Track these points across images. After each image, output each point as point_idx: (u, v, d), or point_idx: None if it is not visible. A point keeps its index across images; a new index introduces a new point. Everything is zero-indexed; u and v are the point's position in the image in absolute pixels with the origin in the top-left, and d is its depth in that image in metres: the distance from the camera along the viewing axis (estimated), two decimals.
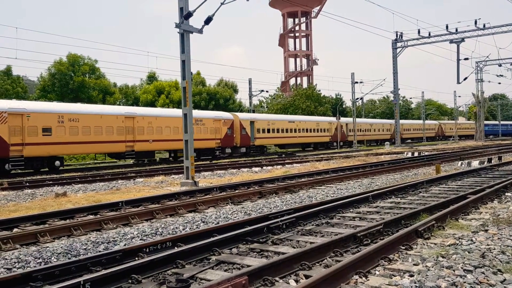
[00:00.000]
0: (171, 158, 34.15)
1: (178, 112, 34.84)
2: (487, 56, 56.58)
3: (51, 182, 17.92)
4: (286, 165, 25.03)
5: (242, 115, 40.67)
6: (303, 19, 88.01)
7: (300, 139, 46.64)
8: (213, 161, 32.14)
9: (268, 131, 41.41)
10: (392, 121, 66.23)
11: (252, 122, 39.40)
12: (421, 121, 77.06)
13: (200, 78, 61.93)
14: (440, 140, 76.07)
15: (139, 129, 29.30)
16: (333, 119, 53.45)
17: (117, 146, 28.06)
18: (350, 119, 57.08)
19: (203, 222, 9.04)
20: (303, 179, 16.19)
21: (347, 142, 55.01)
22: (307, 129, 47.19)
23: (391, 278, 4.85)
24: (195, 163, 26.99)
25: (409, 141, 70.76)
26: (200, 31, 16.27)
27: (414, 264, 5.25)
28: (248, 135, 38.53)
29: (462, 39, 42.70)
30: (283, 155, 38.29)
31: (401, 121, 68.87)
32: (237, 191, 13.41)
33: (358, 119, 58.17)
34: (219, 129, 35.32)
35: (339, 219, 8.60)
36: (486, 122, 77.44)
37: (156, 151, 33.07)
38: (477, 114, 65.95)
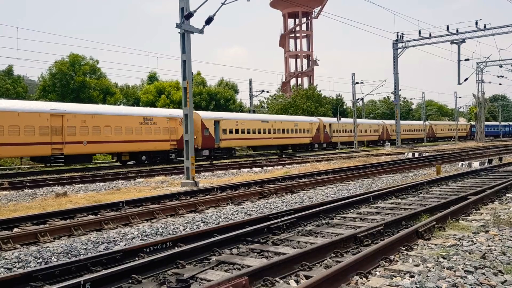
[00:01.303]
0: (118, 162, 30.99)
1: (120, 109, 32.56)
2: (488, 57, 56.68)
3: (51, 182, 17.92)
4: (287, 166, 25.03)
5: (204, 113, 36.94)
6: (303, 20, 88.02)
7: (276, 141, 42.58)
8: (214, 162, 32.04)
9: (237, 131, 37.36)
10: (380, 122, 64.87)
11: (217, 122, 35.51)
12: (411, 122, 74.99)
13: (201, 78, 61.94)
14: (430, 142, 73.30)
15: (69, 129, 25.75)
16: (314, 119, 50.15)
17: (41, 148, 24.48)
18: (333, 119, 54.30)
19: (204, 222, 9.03)
20: (303, 180, 16.19)
21: (331, 143, 51.96)
22: (283, 130, 43.30)
23: (392, 278, 4.85)
24: (135, 169, 25.94)
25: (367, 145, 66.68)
26: (201, 31, 16.28)
27: (415, 265, 5.24)
28: (212, 136, 34.63)
29: (463, 40, 42.70)
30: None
31: (388, 122, 66.88)
32: (237, 191, 13.40)
33: (342, 119, 56.15)
34: (175, 129, 31.38)
35: (339, 219, 8.59)
36: (486, 123, 77.21)
37: (94, 154, 29.95)
38: (477, 115, 65.90)
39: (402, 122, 73.11)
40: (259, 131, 40.04)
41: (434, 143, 68.08)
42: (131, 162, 30.23)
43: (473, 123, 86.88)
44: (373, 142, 62.26)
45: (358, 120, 59.77)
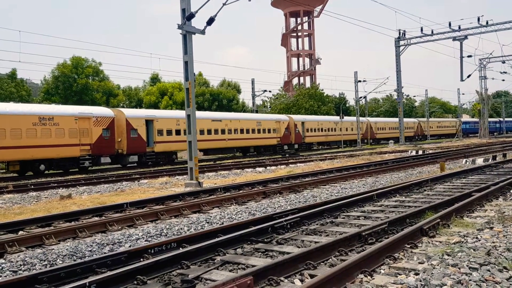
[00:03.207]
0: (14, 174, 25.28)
1: (3, 106, 24.10)
2: (491, 53, 56.28)
3: (56, 184, 17.98)
4: (290, 165, 25.03)
5: (131, 111, 31.28)
6: (305, 19, 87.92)
7: (233, 142, 37.00)
8: (217, 162, 31.86)
9: (178, 132, 31.51)
10: (364, 119, 59.53)
11: (149, 121, 29.89)
12: (397, 119, 71.76)
13: (203, 79, 62.02)
14: (420, 140, 67.92)
15: None
16: (282, 117, 44.93)
17: None
18: (307, 117, 49.60)
19: (208, 222, 9.04)
20: (307, 179, 16.18)
21: (304, 144, 46.59)
22: (242, 130, 38.02)
23: (397, 276, 4.84)
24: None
25: (384, 142, 61.63)
26: (202, 32, 16.29)
27: (419, 263, 5.24)
28: (141, 139, 28.93)
29: (465, 37, 42.61)
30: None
31: (375, 119, 63.52)
32: (241, 191, 13.41)
33: (319, 117, 52.47)
34: (88, 130, 25.95)
35: (343, 218, 8.59)
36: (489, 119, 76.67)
37: None
38: (481, 112, 65.70)
39: (390, 119, 68.67)
40: (209, 132, 34.49)
41: (424, 142, 64.06)
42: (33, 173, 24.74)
43: (463, 120, 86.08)
44: (356, 142, 55.91)
45: (337, 118, 55.25)
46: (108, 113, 27.77)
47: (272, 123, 41.96)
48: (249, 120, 39.72)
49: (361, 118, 58.13)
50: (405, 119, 70.73)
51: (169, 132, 31.12)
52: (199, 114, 36.36)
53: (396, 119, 68.95)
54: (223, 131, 35.99)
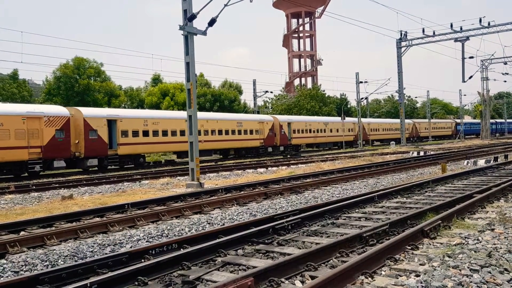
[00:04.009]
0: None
1: None
2: (492, 54, 56.23)
3: (57, 185, 18.01)
4: (292, 166, 25.02)
5: (90, 110, 28.50)
6: (307, 20, 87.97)
7: (208, 144, 34.15)
8: (218, 162, 31.77)
9: (146, 133, 29.47)
10: (355, 120, 56.45)
11: (112, 121, 27.58)
12: (392, 120, 67.70)
13: (204, 80, 62.07)
14: (414, 142, 64.77)
15: None
16: (266, 117, 42.31)
17: None
18: (293, 117, 47.19)
19: (209, 223, 9.05)
20: (308, 180, 16.18)
21: (290, 146, 43.79)
22: (220, 131, 35.50)
23: (397, 278, 4.84)
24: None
25: (378, 143, 59.75)
26: (204, 33, 16.31)
27: (420, 264, 5.23)
28: (102, 140, 26.58)
29: (467, 38, 42.56)
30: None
31: (368, 120, 60.90)
32: (242, 192, 13.42)
33: (307, 117, 50.08)
34: (39, 131, 23.59)
35: (344, 219, 8.58)
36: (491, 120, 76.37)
37: None
38: (482, 113, 65.60)
39: (384, 120, 66.60)
40: (182, 133, 31.89)
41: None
42: None
43: (458, 121, 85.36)
44: (347, 143, 54.07)
45: (327, 118, 53.36)
46: (62, 112, 25.35)
47: (255, 123, 39.37)
48: (228, 120, 37.11)
49: (353, 119, 56.54)
50: (399, 120, 71.16)
51: (135, 133, 28.76)
52: (171, 113, 34.98)
53: (391, 120, 68.86)
54: (198, 132, 33.29)
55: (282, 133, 42.18)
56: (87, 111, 27.13)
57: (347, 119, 56.39)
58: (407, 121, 68.82)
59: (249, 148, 38.70)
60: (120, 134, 27.84)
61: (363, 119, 58.50)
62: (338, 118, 56.05)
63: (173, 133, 31.53)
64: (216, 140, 35.26)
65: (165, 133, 30.94)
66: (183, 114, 34.81)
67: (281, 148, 42.36)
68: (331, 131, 50.32)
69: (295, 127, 44.58)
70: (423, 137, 72.52)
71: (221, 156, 38.53)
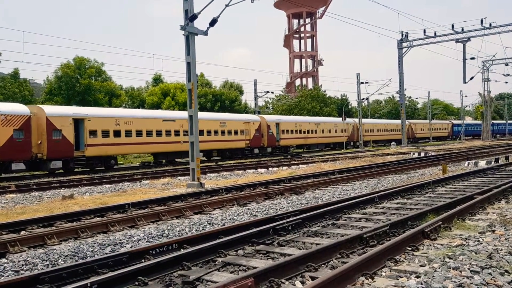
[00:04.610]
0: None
1: None
2: (494, 55, 56.29)
3: (58, 184, 18.02)
4: (292, 166, 25.02)
5: (53, 108, 26.58)
6: (308, 20, 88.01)
7: (188, 145, 33.96)
8: (219, 163, 31.76)
9: (117, 133, 27.63)
10: (350, 120, 55.26)
11: (79, 121, 25.88)
12: (386, 121, 66.73)
13: (205, 80, 62.09)
14: (410, 143, 61.20)
15: None
16: (253, 117, 40.49)
17: None
18: (282, 117, 45.52)
19: (209, 223, 9.05)
20: (309, 180, 16.17)
21: (278, 147, 42.11)
22: (202, 131, 32.33)
23: (398, 279, 4.84)
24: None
25: (372, 145, 57.28)
26: (205, 33, 16.32)
27: (421, 265, 5.23)
28: (68, 141, 24.70)
29: (468, 39, 42.55)
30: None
31: (362, 120, 57.45)
32: (243, 192, 13.42)
33: (297, 118, 48.76)
34: None
35: (345, 220, 8.58)
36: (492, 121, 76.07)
37: None
38: (484, 114, 65.56)
39: (375, 121, 64.34)
40: (159, 133, 30.36)
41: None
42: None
43: (454, 122, 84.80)
44: (340, 145, 52.09)
45: (319, 118, 51.36)
46: (22, 110, 23.45)
47: (240, 124, 37.56)
48: (211, 120, 35.01)
49: (348, 119, 55.06)
50: (395, 121, 68.15)
51: (105, 134, 26.92)
52: (145, 113, 32.98)
53: (385, 121, 67.73)
54: (177, 133, 31.64)
55: (269, 133, 40.66)
56: (50, 110, 25.34)
57: (340, 119, 54.66)
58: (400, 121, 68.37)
59: (234, 149, 37.14)
60: (88, 134, 26.12)
61: (355, 120, 57.11)
62: (331, 118, 55.06)
63: (149, 134, 29.74)
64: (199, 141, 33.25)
65: (139, 134, 29.16)
66: (159, 113, 34.02)
67: (269, 150, 40.73)
68: (322, 131, 48.64)
69: (284, 127, 42.97)
70: (419, 138, 70.66)
71: (204, 158, 36.46)
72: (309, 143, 47.42)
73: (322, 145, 49.33)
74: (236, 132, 37.03)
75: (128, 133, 28.33)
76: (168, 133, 31.07)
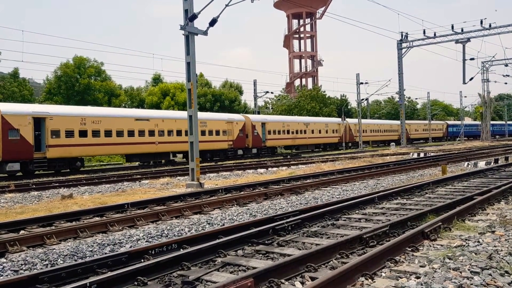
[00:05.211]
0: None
1: None
2: (493, 56, 56.40)
3: (57, 184, 18.00)
4: (292, 166, 25.01)
5: (9, 106, 24.72)
6: (307, 20, 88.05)
7: (164, 146, 30.79)
8: (219, 163, 31.72)
9: (83, 133, 25.93)
10: (339, 120, 53.19)
11: (40, 120, 24.13)
12: (381, 121, 65.96)
13: (205, 80, 62.08)
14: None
15: None
16: (237, 116, 38.97)
17: None
18: (268, 117, 44.25)
19: (209, 223, 9.04)
20: (308, 180, 16.17)
21: (264, 148, 40.57)
22: (179, 131, 31.79)
23: (398, 280, 4.83)
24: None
25: (363, 146, 54.97)
26: (205, 33, 16.30)
27: (421, 266, 5.22)
28: (27, 142, 23.25)
29: (468, 39, 42.59)
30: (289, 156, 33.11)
31: (354, 120, 56.40)
32: (242, 192, 13.41)
33: (285, 117, 48.18)
34: None
35: (344, 220, 8.57)
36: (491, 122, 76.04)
37: None
38: (483, 114, 65.60)
39: (369, 121, 62.74)
40: (131, 133, 28.54)
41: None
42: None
43: (449, 122, 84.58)
44: (331, 145, 50.89)
45: (308, 118, 49.66)
46: None
47: (222, 123, 35.81)
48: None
49: (340, 119, 53.73)
50: (390, 121, 67.93)
51: (69, 134, 25.17)
52: (115, 111, 30.53)
53: (379, 121, 67.13)
54: (151, 133, 29.95)
55: (255, 134, 38.96)
56: (6, 107, 23.61)
57: (332, 119, 53.97)
58: (396, 122, 65.91)
59: (215, 150, 35.45)
60: (50, 134, 24.38)
61: (349, 120, 56.03)
62: (322, 118, 53.37)
63: (120, 134, 27.88)
64: (174, 141, 31.39)
65: (108, 134, 27.29)
66: (131, 112, 31.72)
67: (254, 151, 39.08)
68: (312, 132, 46.89)
69: (271, 127, 41.34)
70: (413, 139, 68.44)
71: (184, 159, 35.48)
72: (298, 144, 45.88)
73: (312, 146, 47.88)
74: (218, 133, 35.51)
75: (95, 133, 26.67)
76: (141, 133, 29.36)
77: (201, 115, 34.90)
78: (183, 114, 34.09)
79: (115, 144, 27.74)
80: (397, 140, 60.29)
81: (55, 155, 24.54)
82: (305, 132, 45.92)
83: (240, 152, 37.48)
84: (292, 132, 44.09)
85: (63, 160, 25.25)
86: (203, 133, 33.21)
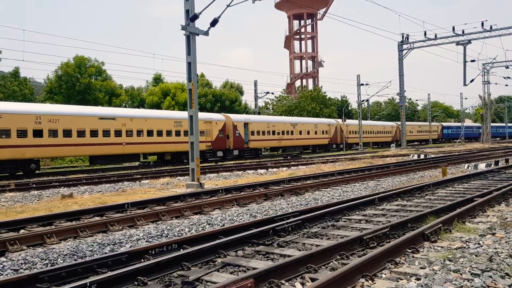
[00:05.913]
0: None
1: None
2: (494, 58, 56.24)
3: (57, 183, 18.00)
4: (292, 167, 25.00)
5: None
6: (308, 21, 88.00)
7: (133, 148, 28.90)
8: (219, 163, 31.67)
9: (38, 133, 23.99)
10: (333, 121, 52.20)
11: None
12: (375, 122, 64.78)
13: (205, 80, 62.10)
14: (400, 146, 55.44)
15: None
16: (216, 116, 36.72)
17: None
18: (251, 117, 41.68)
19: (209, 224, 9.04)
20: (308, 181, 16.16)
21: (247, 150, 38.49)
22: (151, 132, 29.90)
23: (398, 281, 4.83)
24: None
25: (355, 147, 53.99)
26: (206, 33, 16.31)
27: (421, 268, 5.22)
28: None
29: (469, 41, 42.63)
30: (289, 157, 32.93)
31: (347, 122, 53.86)
32: (242, 193, 13.41)
33: (270, 117, 47.06)
34: None
35: (345, 221, 8.57)
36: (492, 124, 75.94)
37: None
38: (484, 116, 65.58)
39: (365, 122, 60.61)
40: (94, 133, 26.65)
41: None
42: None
43: (445, 124, 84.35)
44: (322, 147, 49.23)
45: (296, 119, 48.25)
46: None
47: (200, 123, 33.27)
48: (162, 119, 31.09)
49: (330, 120, 52.36)
50: (383, 122, 66.95)
51: (22, 133, 23.23)
52: (74, 109, 27.76)
53: (372, 122, 65.90)
54: (118, 133, 27.81)
55: (236, 135, 36.83)
56: None
57: (321, 119, 52.19)
58: (390, 123, 65.93)
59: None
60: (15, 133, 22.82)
61: (339, 120, 54.29)
62: (310, 119, 51.48)
63: (81, 134, 25.90)
64: (145, 142, 29.49)
65: (68, 134, 25.27)
66: (94, 110, 29.39)
67: (236, 153, 37.05)
68: (300, 133, 44.75)
69: (254, 128, 39.08)
70: (408, 140, 63.88)
71: (159, 161, 33.38)
72: (284, 145, 43.94)
73: (299, 147, 45.83)
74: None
75: (52, 133, 24.57)
76: (106, 133, 27.26)
77: (176, 114, 33.95)
78: (154, 113, 33.18)
79: (76, 145, 25.75)
80: (391, 142, 59.67)
81: (4, 157, 22.52)
82: (292, 133, 44.08)
83: (220, 153, 35.45)
84: (278, 133, 42.22)
85: (14, 162, 23.20)
86: (177, 133, 31.59)
